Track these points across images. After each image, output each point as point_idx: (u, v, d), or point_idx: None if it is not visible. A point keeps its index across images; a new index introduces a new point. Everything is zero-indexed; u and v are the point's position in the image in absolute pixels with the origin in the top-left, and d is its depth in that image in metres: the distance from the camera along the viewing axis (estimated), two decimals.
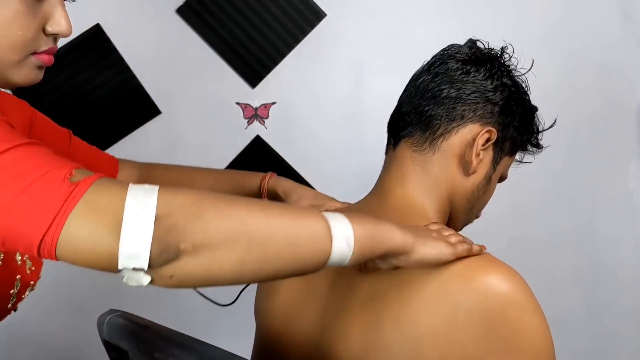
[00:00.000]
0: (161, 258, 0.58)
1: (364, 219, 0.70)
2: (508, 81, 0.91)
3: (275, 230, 0.62)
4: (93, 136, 1.79)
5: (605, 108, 2.08)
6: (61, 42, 1.88)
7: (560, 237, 2.07)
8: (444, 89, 0.88)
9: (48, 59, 0.76)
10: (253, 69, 1.87)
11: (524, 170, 2.16)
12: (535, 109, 0.96)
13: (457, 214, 0.93)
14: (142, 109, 1.81)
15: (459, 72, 0.89)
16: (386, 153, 0.95)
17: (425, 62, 0.95)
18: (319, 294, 0.87)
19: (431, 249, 0.74)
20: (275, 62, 1.88)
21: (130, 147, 1.80)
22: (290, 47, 1.88)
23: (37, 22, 0.72)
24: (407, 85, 0.95)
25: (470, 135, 0.87)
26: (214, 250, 0.59)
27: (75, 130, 1.86)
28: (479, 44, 0.94)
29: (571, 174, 2.07)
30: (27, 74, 0.75)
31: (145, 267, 0.58)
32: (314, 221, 0.65)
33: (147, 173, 1.11)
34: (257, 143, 1.88)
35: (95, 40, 1.77)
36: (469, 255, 0.77)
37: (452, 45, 0.94)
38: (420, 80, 0.91)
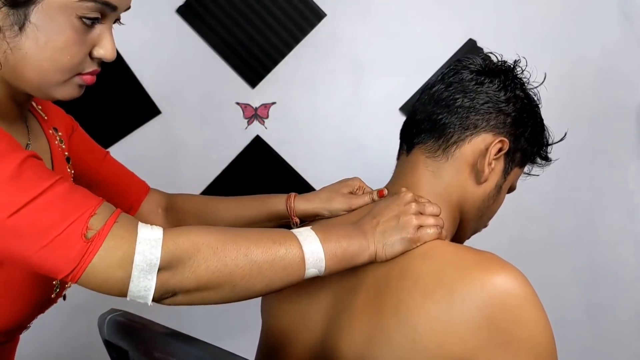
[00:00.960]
0: (161, 297, 0.74)
1: (338, 239, 0.80)
2: (521, 93, 0.93)
3: (256, 275, 0.76)
4: (93, 136, 1.79)
5: (605, 108, 2.08)
6: None
7: (560, 237, 2.07)
8: (457, 98, 0.90)
9: (91, 80, 0.81)
10: (253, 69, 1.87)
11: (523, 171, 2.16)
12: (543, 122, 0.99)
13: (467, 222, 0.94)
14: (142, 109, 1.81)
15: (473, 83, 0.91)
16: (398, 158, 0.97)
17: (440, 72, 0.97)
18: (325, 290, 0.89)
19: (390, 249, 0.81)
20: (275, 62, 1.88)
21: (130, 147, 1.80)
22: (290, 47, 1.88)
23: (86, 47, 0.77)
24: (420, 94, 0.97)
25: (483, 144, 0.90)
26: (203, 293, 0.75)
27: None
28: (492, 56, 0.96)
29: (571, 174, 2.07)
30: (70, 91, 0.81)
31: (150, 304, 0.73)
32: (291, 255, 0.78)
33: (173, 202, 1.17)
34: (257, 143, 1.88)
35: None
36: (430, 239, 0.81)
37: (466, 57, 0.96)
38: (434, 89, 0.93)
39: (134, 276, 0.71)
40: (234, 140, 1.88)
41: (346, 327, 0.82)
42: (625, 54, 2.07)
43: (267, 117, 1.89)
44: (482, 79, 0.91)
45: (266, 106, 1.89)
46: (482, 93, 0.90)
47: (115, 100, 1.79)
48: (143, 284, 0.71)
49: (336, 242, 0.80)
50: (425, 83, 0.99)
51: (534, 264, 2.05)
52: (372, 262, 0.83)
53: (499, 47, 1.99)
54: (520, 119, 0.92)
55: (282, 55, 1.88)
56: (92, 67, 0.80)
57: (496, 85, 0.91)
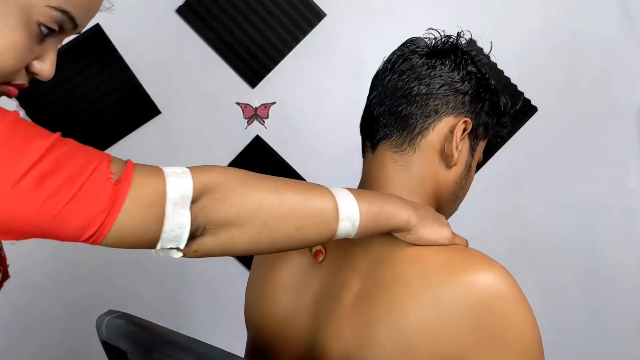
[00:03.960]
0: (192, 237, 0.67)
1: (373, 199, 0.77)
2: (473, 68, 0.92)
3: (287, 215, 0.70)
4: (93, 136, 1.79)
5: (605, 108, 2.08)
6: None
7: (560, 237, 2.07)
8: (413, 87, 0.88)
9: (14, 93, 0.73)
10: (253, 69, 1.87)
11: (524, 171, 2.17)
12: (497, 89, 0.97)
13: (444, 207, 0.93)
14: (142, 109, 1.81)
15: (425, 67, 0.89)
16: (363, 156, 0.96)
17: (386, 60, 0.95)
18: (311, 294, 0.88)
19: (430, 232, 0.79)
20: (275, 62, 1.88)
21: (130, 147, 1.80)
22: (290, 47, 1.88)
23: (30, 57, 0.70)
24: (372, 86, 0.96)
25: (447, 128, 0.88)
26: (232, 232, 0.69)
27: (75, 130, 1.86)
28: (434, 32, 0.94)
29: (571, 174, 2.07)
30: None
31: (183, 247, 0.67)
32: (324, 203, 0.73)
33: None
34: (257, 143, 1.88)
35: (95, 40, 1.77)
36: (460, 244, 0.81)
37: (410, 40, 0.94)
38: (387, 80, 0.92)
39: (168, 212, 0.65)
40: (234, 140, 1.88)
41: (335, 334, 0.81)
42: (625, 54, 2.07)
43: (267, 117, 1.89)
44: (433, 61, 0.89)
45: (266, 106, 1.89)
46: (437, 77, 0.89)
47: (116, 100, 1.79)
48: (178, 220, 0.65)
49: (370, 200, 0.76)
50: (375, 74, 0.97)
51: (534, 264, 2.05)
52: (377, 248, 0.82)
53: (499, 47, 2.00)
54: (477, 95, 0.91)
55: (282, 55, 1.88)
56: (23, 80, 0.72)
57: (448, 66, 0.89)
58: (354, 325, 0.80)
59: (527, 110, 2.04)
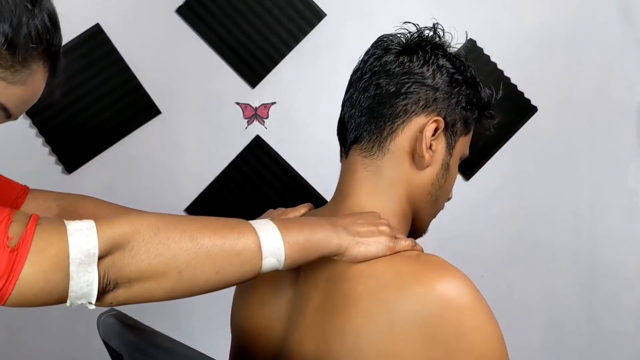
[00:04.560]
0: (103, 292, 0.65)
1: (300, 228, 0.74)
2: (445, 62, 0.86)
3: (204, 262, 0.68)
4: (93, 136, 1.79)
5: (605, 108, 2.08)
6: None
7: (560, 237, 2.07)
8: (383, 86, 0.85)
9: None
10: (253, 69, 1.87)
11: (524, 170, 2.17)
12: (477, 81, 0.90)
13: (422, 211, 0.89)
14: (142, 109, 1.81)
15: (394, 66, 0.85)
16: (341, 161, 0.93)
17: (360, 59, 0.91)
18: (284, 305, 0.86)
19: (365, 247, 0.76)
20: (275, 62, 1.88)
21: (130, 147, 1.80)
22: (290, 47, 1.88)
23: None
24: (347, 88, 0.92)
25: (417, 128, 0.84)
26: (146, 283, 0.66)
27: (75, 131, 1.86)
28: (409, 26, 0.90)
29: (571, 174, 2.07)
30: None
31: (94, 302, 0.65)
32: (245, 243, 0.70)
33: (70, 205, 1.05)
34: (257, 143, 1.88)
35: (95, 40, 1.77)
36: (404, 250, 0.77)
37: (382, 38, 0.90)
38: (358, 81, 0.88)
39: (72, 272, 0.62)
40: (234, 140, 1.88)
41: (299, 345, 0.80)
42: (625, 54, 2.07)
43: (267, 117, 1.89)
44: (402, 59, 0.85)
45: (266, 106, 1.89)
46: (406, 74, 0.84)
47: (115, 100, 1.79)
48: (84, 279, 0.62)
49: (298, 230, 0.73)
50: (350, 75, 0.93)
51: (534, 264, 2.05)
52: (333, 264, 0.79)
53: (499, 47, 2.00)
54: (449, 90, 0.85)
55: (282, 55, 1.88)
56: None
57: (417, 63, 0.85)
58: (314, 338, 0.78)
59: (527, 110, 2.04)
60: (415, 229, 0.91)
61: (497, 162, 2.03)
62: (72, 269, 0.62)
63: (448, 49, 0.89)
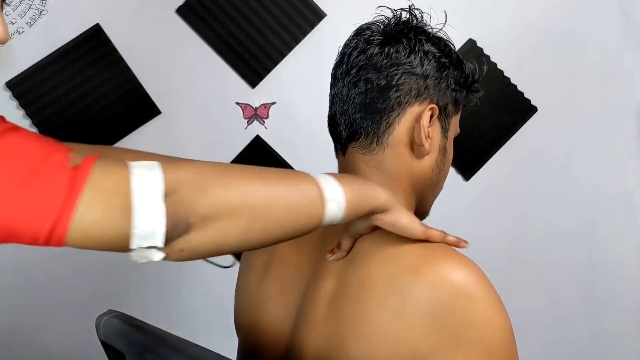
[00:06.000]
0: (173, 234, 0.59)
1: (352, 179, 0.74)
2: (430, 47, 0.86)
3: (275, 199, 0.66)
4: (93, 136, 1.79)
5: (605, 108, 2.08)
6: (61, 42, 1.88)
7: (560, 237, 2.06)
8: (372, 81, 0.84)
9: None
10: (253, 69, 1.87)
11: (523, 171, 2.17)
12: (462, 59, 0.90)
13: (425, 195, 0.90)
14: (142, 109, 1.81)
15: (381, 58, 0.84)
16: (336, 157, 0.93)
17: (341, 53, 0.91)
18: (294, 299, 0.86)
19: (407, 216, 0.76)
20: (275, 62, 1.88)
21: (130, 147, 1.80)
22: (290, 47, 1.88)
23: None
24: (332, 83, 0.91)
25: (413, 118, 0.84)
26: (220, 222, 0.61)
27: (75, 130, 1.86)
28: (386, 11, 0.90)
29: (571, 174, 2.07)
30: None
31: (161, 245, 0.58)
32: (308, 187, 0.69)
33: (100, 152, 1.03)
34: (257, 143, 1.88)
35: (95, 40, 1.77)
36: (442, 241, 0.77)
37: (362, 28, 0.90)
38: (345, 76, 0.87)
39: (137, 203, 0.56)
40: (234, 140, 1.87)
41: (310, 336, 0.80)
42: (625, 54, 2.07)
43: (267, 117, 1.89)
44: (388, 49, 0.84)
45: (266, 106, 1.89)
46: (394, 66, 0.83)
47: (115, 100, 1.79)
48: (149, 213, 0.56)
49: (351, 179, 0.74)
50: (333, 68, 0.93)
51: (534, 264, 2.05)
52: (360, 243, 0.79)
53: (499, 47, 2.00)
54: (439, 75, 0.85)
55: (282, 55, 1.88)
56: None
57: (403, 53, 0.84)
58: (327, 328, 0.78)
59: (527, 110, 2.04)
60: (419, 213, 0.91)
61: (497, 162, 2.03)
62: (135, 199, 0.56)
63: (429, 30, 0.89)
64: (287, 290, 0.88)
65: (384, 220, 0.76)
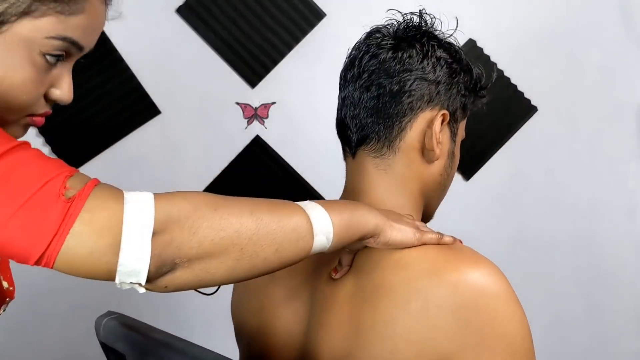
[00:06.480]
0: (157, 273, 0.61)
1: (342, 207, 0.74)
2: (442, 53, 0.87)
3: (265, 238, 0.66)
4: (93, 136, 1.79)
5: (605, 108, 2.08)
6: None
7: (560, 237, 2.07)
8: (385, 86, 0.84)
9: (40, 122, 0.73)
10: (253, 69, 1.87)
11: (523, 171, 2.17)
12: (471, 65, 0.91)
13: (432, 199, 0.91)
14: (142, 109, 1.81)
15: (394, 63, 0.85)
16: (345, 160, 0.93)
17: (352, 57, 0.90)
18: (305, 303, 0.86)
19: (398, 232, 0.76)
20: (275, 62, 1.88)
21: (131, 147, 1.80)
22: (290, 47, 1.88)
23: (43, 87, 0.70)
24: (341, 86, 0.92)
25: (425, 123, 0.85)
26: (208, 263, 0.63)
27: (75, 130, 1.86)
28: (397, 16, 0.89)
29: (571, 175, 2.07)
30: (14, 132, 0.71)
31: (144, 283, 0.61)
32: (298, 221, 0.69)
33: None
34: (257, 143, 1.88)
35: None
36: (437, 243, 0.78)
37: (373, 32, 0.89)
38: (356, 80, 0.88)
39: (124, 242, 0.58)
40: (234, 140, 1.87)
41: (325, 343, 0.80)
42: (625, 54, 2.07)
43: (267, 117, 1.89)
44: (401, 55, 0.85)
45: (266, 106, 1.89)
46: (407, 72, 0.84)
47: (115, 100, 1.79)
48: (136, 253, 0.58)
49: (341, 209, 0.73)
50: (342, 72, 0.92)
51: (534, 264, 2.05)
52: (365, 254, 0.79)
53: (499, 47, 2.00)
54: (450, 81, 0.86)
55: (282, 55, 1.88)
56: (45, 108, 0.72)
57: (416, 58, 0.85)
58: (343, 331, 0.78)
59: (527, 110, 2.04)
60: (425, 216, 0.92)
61: (497, 162, 2.03)
62: (125, 237, 0.58)
63: (440, 35, 0.89)
64: (293, 294, 0.88)
65: (377, 242, 0.77)
